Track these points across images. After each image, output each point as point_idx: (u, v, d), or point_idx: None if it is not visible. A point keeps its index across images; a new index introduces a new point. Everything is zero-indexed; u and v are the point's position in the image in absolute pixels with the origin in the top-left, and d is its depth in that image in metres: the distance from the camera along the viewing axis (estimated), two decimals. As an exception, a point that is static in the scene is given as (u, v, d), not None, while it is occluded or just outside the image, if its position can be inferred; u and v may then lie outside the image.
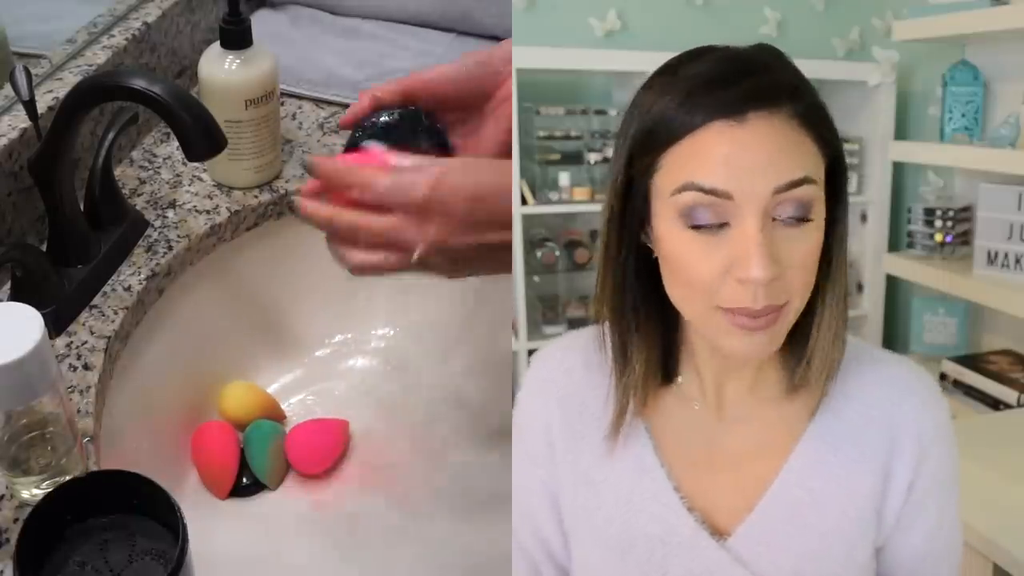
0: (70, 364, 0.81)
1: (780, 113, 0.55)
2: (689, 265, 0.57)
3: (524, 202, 1.85)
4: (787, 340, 0.62)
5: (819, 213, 0.57)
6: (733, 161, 0.54)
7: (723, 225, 0.55)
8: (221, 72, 0.95)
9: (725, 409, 0.65)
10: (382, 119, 0.74)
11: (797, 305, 0.57)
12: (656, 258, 0.61)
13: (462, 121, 0.79)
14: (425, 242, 0.69)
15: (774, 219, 0.55)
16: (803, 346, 0.62)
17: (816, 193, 0.56)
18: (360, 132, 0.75)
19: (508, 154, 0.76)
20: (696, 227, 0.56)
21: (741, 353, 0.57)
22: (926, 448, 0.63)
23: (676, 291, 0.59)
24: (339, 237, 0.72)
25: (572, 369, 0.69)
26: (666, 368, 0.66)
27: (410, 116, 0.75)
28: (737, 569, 0.63)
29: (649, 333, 0.63)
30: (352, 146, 0.75)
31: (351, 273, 0.73)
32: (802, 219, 0.56)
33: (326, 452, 0.96)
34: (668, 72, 0.58)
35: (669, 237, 0.58)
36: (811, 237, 0.56)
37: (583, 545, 0.68)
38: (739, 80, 0.55)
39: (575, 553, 0.69)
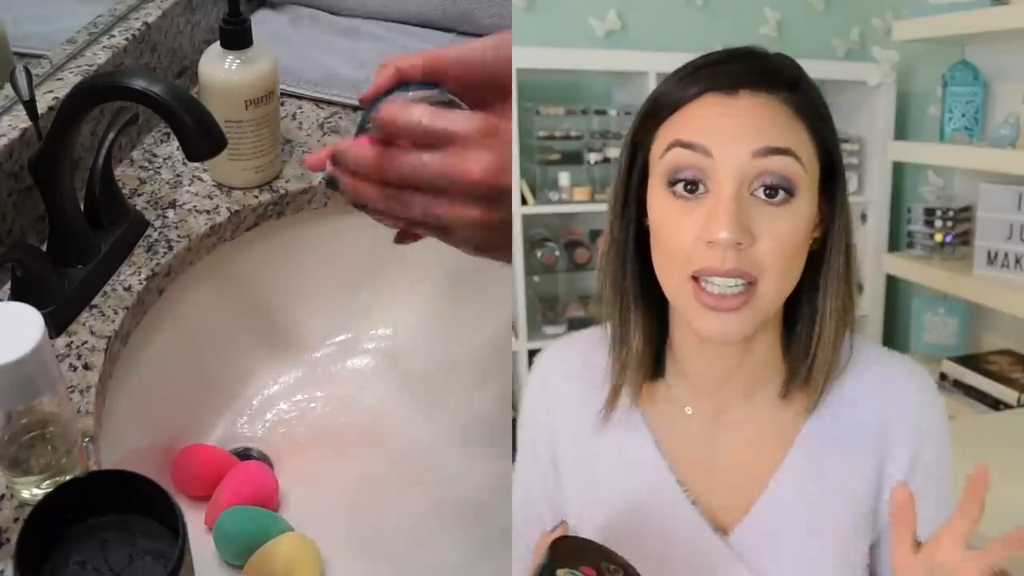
0: (70, 364, 0.81)
1: (774, 96, 0.58)
2: (667, 229, 0.58)
3: (524, 202, 1.85)
4: (788, 340, 0.62)
5: (803, 199, 0.57)
6: (717, 123, 0.57)
7: (701, 190, 0.57)
8: (221, 72, 0.95)
9: (721, 412, 0.65)
10: (409, 94, 0.66)
11: (770, 289, 0.57)
12: None
13: (481, 108, 0.67)
14: (480, 170, 0.59)
15: (753, 193, 0.56)
16: (805, 347, 0.62)
17: (799, 172, 0.57)
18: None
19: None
20: (675, 184, 0.57)
21: (712, 334, 0.58)
22: (918, 448, 0.64)
23: (658, 260, 0.61)
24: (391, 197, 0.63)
25: (572, 369, 0.70)
26: (658, 364, 0.66)
27: (437, 98, 0.66)
28: (738, 566, 0.63)
29: (647, 312, 0.64)
30: (363, 128, 0.67)
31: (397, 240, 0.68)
32: (780, 194, 0.56)
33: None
34: (688, 63, 0.61)
35: (655, 204, 0.60)
36: (789, 218, 0.57)
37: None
38: (738, 62, 0.59)
39: None
